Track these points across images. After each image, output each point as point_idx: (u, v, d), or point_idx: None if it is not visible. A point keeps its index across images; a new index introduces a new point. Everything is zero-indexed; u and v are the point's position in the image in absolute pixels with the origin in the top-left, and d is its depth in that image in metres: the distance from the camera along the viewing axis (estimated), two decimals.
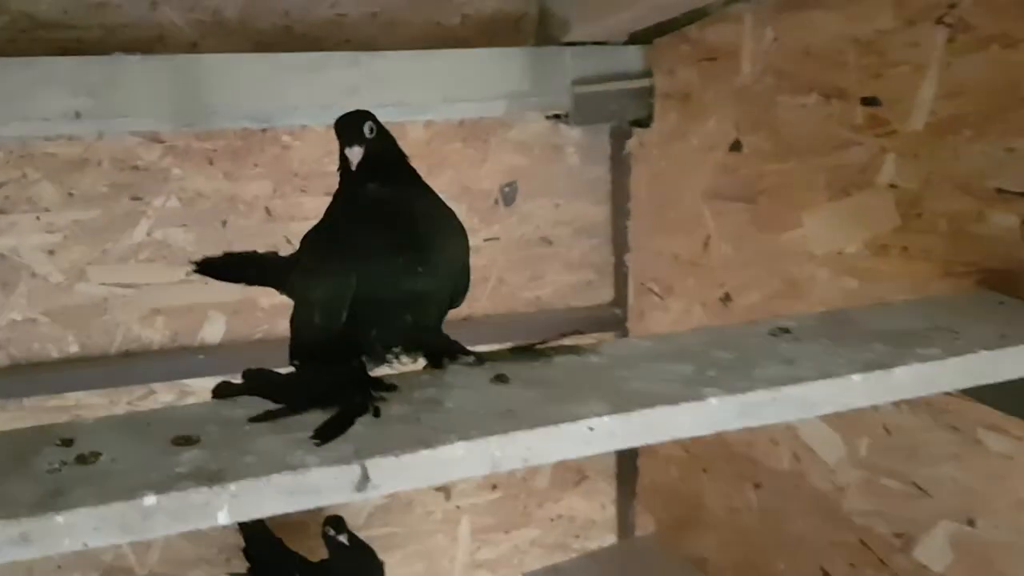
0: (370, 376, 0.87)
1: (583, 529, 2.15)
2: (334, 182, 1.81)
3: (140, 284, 1.73)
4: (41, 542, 0.66)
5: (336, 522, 1.72)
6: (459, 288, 0.93)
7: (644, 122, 1.80)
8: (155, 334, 1.75)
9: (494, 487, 2.07)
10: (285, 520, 1.75)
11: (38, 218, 1.66)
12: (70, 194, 1.67)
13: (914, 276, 1.20)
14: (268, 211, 1.78)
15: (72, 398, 1.73)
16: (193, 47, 1.67)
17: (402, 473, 0.74)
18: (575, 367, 0.89)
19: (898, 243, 1.23)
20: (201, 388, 1.79)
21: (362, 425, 0.79)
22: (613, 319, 2.01)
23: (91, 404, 1.74)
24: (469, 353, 0.91)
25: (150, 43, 1.63)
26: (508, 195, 1.92)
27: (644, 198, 1.87)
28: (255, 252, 1.14)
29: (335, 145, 1.78)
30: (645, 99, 1.78)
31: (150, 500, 0.67)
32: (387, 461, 0.74)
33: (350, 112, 0.86)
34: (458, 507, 2.05)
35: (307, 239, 0.91)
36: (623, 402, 0.80)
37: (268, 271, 1.09)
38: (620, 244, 1.98)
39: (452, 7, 1.80)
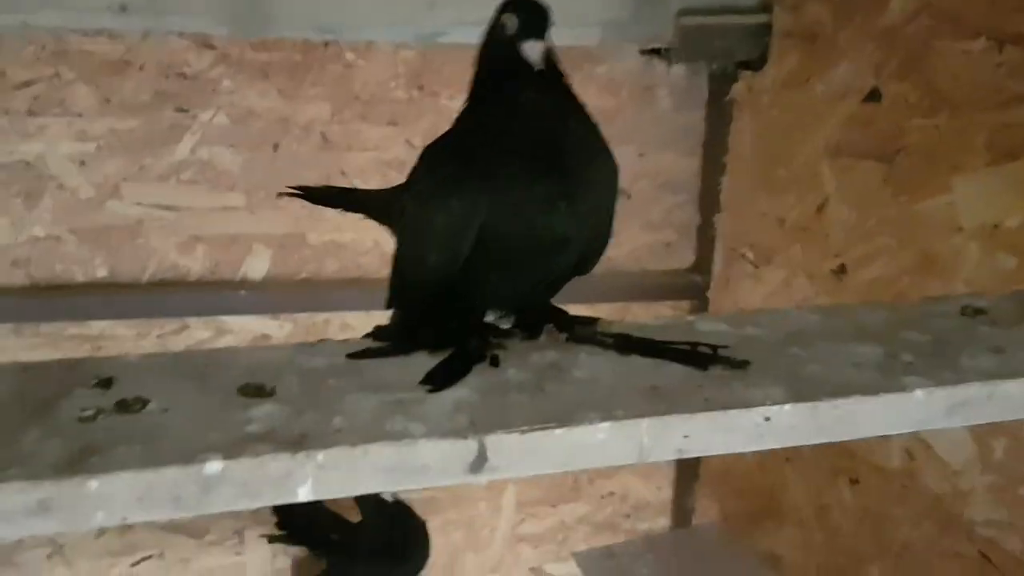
0: (484, 320, 0.72)
1: (635, 510, 1.99)
2: (399, 110, 1.64)
3: (180, 207, 1.55)
4: (67, 514, 0.52)
5: None
6: (595, 245, 0.73)
7: (756, 64, 1.58)
8: (193, 264, 1.58)
9: None
10: None
11: (70, 124, 1.48)
12: (107, 100, 1.48)
13: None
14: (324, 137, 1.59)
15: (96, 327, 1.56)
16: None
17: (527, 455, 0.61)
18: (731, 340, 0.72)
19: None
20: (240, 327, 1.62)
21: (476, 390, 0.63)
22: (691, 286, 1.81)
23: (117, 335, 1.57)
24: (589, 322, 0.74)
25: None
26: None
27: (747, 152, 1.66)
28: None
29: (404, 68, 1.61)
30: (760, 37, 1.55)
31: (214, 466, 0.53)
32: (510, 439, 0.60)
33: None
34: None
35: (427, 154, 0.72)
36: (805, 388, 0.64)
37: (370, 202, 0.96)
38: (709, 203, 1.77)
39: None
